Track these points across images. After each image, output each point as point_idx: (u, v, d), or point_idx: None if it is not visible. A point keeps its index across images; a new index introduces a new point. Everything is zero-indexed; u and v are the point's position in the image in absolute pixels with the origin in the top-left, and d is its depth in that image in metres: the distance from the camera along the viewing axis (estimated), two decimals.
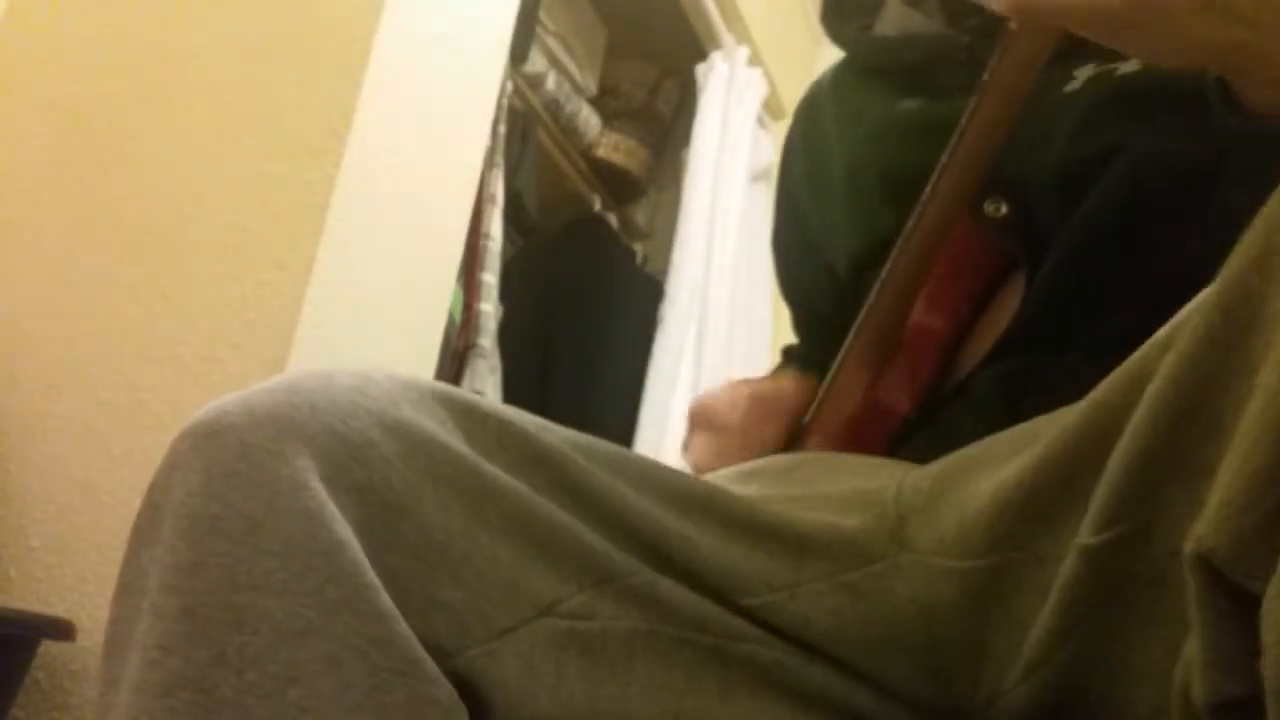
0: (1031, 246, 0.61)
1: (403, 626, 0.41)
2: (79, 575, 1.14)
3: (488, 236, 1.79)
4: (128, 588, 0.41)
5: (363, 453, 0.42)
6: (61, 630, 1.07)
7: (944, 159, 0.59)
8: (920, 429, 0.63)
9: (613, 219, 2.46)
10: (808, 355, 0.89)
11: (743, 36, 2.43)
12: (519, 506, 0.45)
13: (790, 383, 0.78)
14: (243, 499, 0.40)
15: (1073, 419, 0.43)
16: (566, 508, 0.47)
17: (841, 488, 0.55)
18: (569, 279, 2.23)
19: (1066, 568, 0.42)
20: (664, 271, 2.24)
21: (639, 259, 2.50)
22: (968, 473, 0.50)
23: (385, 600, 0.41)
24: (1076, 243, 0.60)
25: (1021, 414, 0.54)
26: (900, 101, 0.73)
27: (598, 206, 2.42)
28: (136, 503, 1.31)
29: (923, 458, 0.57)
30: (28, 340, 1.28)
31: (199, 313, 1.22)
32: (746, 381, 0.81)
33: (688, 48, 2.43)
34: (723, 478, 0.63)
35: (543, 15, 2.17)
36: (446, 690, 0.42)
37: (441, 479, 0.43)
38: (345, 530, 0.41)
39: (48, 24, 1.44)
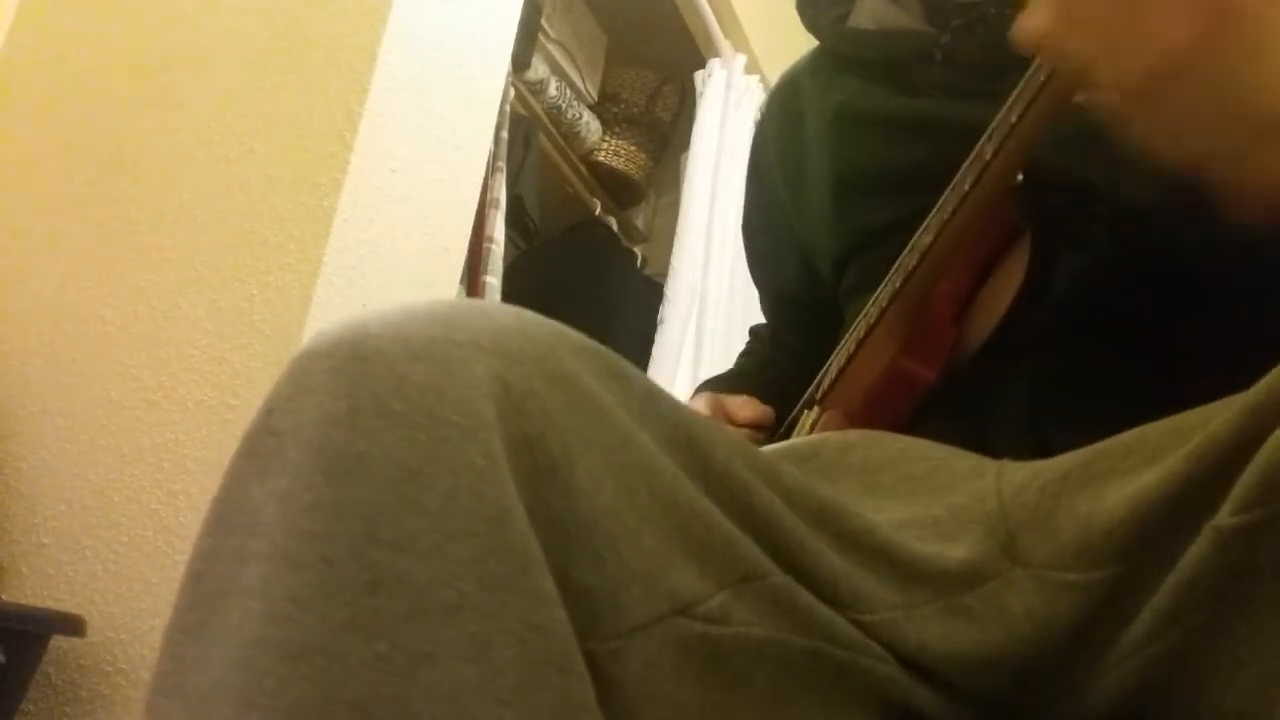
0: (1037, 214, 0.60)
1: (562, 613, 0.35)
2: (89, 572, 1.15)
3: (491, 240, 1.81)
4: (229, 522, 0.35)
5: (524, 403, 0.36)
6: (72, 626, 1.08)
7: (992, 148, 0.56)
8: (941, 410, 0.62)
9: (613, 223, 2.48)
10: (775, 336, 0.91)
11: (740, 44, 2.46)
12: (668, 488, 0.40)
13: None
14: (397, 441, 0.34)
15: (1223, 426, 0.40)
16: (707, 495, 0.42)
17: (930, 505, 0.51)
18: (570, 281, 2.25)
19: (1194, 549, 0.39)
20: (663, 274, 2.26)
21: (639, 262, 2.52)
22: (1085, 486, 0.46)
23: (550, 582, 0.35)
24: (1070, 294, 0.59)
25: (1044, 409, 0.56)
26: (877, 96, 0.72)
27: (598, 210, 2.44)
28: (147, 501, 1.30)
29: (945, 437, 0.56)
30: (39, 341, 1.29)
31: (207, 314, 1.23)
32: (705, 394, 0.82)
33: (687, 55, 2.46)
34: (774, 453, 0.58)
35: (545, 23, 2.19)
36: (592, 692, 0.36)
37: (596, 445, 0.38)
38: (514, 495, 0.35)
39: (56, 30, 1.46)
